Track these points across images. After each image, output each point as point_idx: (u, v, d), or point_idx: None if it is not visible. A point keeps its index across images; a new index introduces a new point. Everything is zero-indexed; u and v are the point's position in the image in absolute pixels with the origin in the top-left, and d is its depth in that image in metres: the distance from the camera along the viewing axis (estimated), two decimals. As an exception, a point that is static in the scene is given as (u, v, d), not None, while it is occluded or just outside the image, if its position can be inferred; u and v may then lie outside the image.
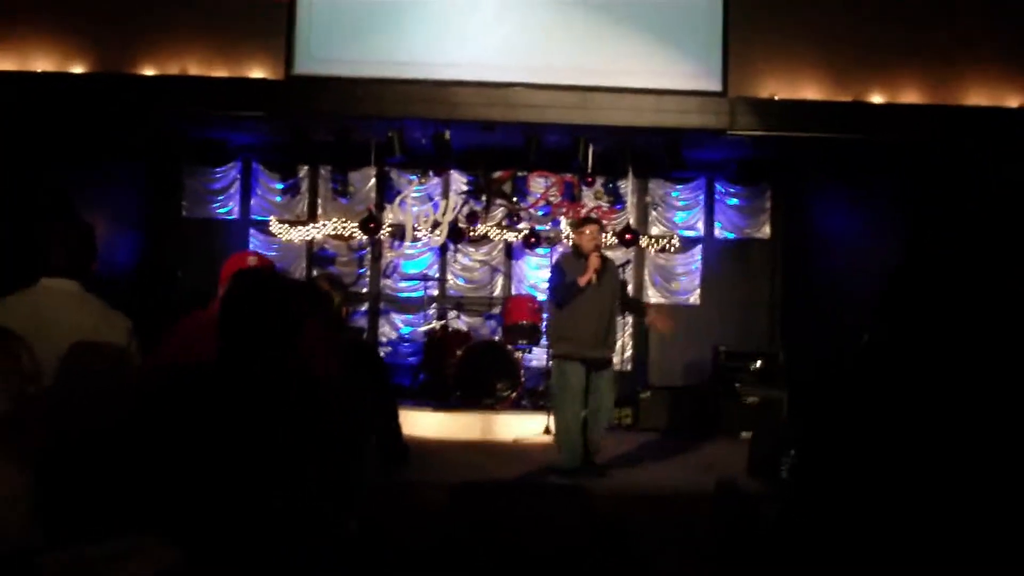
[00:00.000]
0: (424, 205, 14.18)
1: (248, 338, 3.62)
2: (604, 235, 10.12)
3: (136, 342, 4.58)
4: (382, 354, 13.75)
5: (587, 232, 9.46)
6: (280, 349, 3.63)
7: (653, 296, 14.65)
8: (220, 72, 12.14)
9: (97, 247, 4.70)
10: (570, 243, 11.60)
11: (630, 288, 13.81)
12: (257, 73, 12.19)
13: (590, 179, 13.84)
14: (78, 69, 11.98)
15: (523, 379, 12.56)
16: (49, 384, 3.98)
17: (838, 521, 3.34)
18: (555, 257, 12.62)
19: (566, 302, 9.36)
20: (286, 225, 14.20)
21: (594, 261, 9.20)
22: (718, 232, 14.87)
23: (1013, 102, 12.35)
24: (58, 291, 4.46)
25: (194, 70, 12.12)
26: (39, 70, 11.88)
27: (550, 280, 9.82)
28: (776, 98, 12.28)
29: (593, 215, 13.69)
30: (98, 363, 4.37)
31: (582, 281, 9.19)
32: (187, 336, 4.54)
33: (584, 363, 9.33)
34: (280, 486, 3.47)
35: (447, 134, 12.68)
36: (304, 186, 14.67)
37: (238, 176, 14.57)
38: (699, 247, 14.80)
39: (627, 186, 14.53)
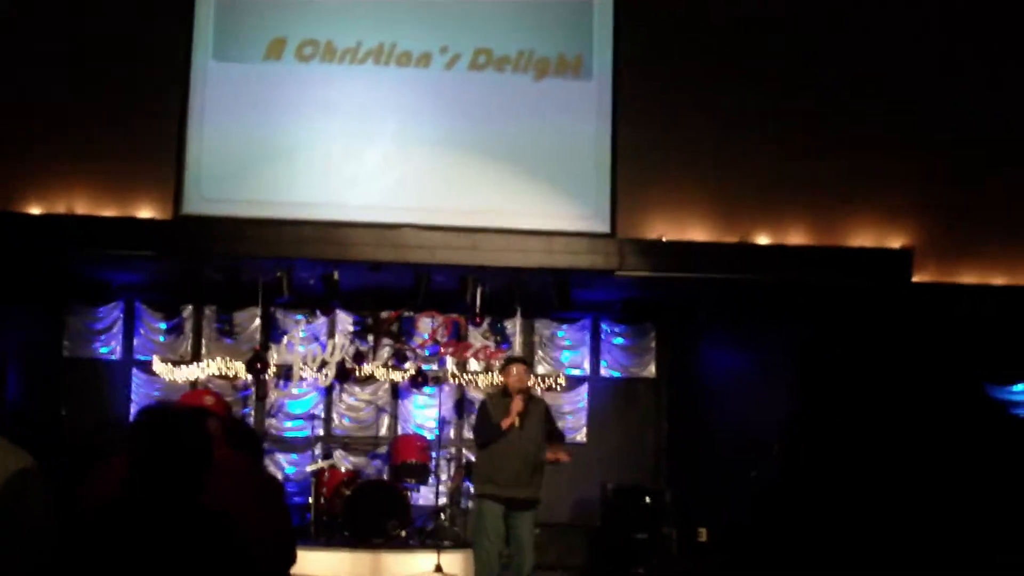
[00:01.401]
0: (311, 345, 14.11)
1: (153, 472, 3.59)
2: (529, 375, 10.07)
3: (39, 480, 4.39)
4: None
5: (513, 372, 9.46)
6: (186, 484, 3.61)
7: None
8: (109, 211, 12.11)
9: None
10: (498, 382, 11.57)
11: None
12: (146, 213, 12.19)
13: (478, 319, 13.89)
14: (-39, 206, 11.86)
15: (413, 518, 12.45)
16: None
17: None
18: (480, 397, 12.70)
19: (488, 444, 9.36)
20: (169, 365, 13.99)
21: (516, 404, 9.20)
22: (604, 371, 14.98)
23: (895, 243, 12.78)
24: None
25: (82, 209, 12.09)
26: (-78, 207, 11.74)
27: (475, 420, 9.84)
28: (664, 239, 12.56)
29: (481, 355, 13.77)
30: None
31: (504, 424, 9.18)
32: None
33: (505, 503, 9.27)
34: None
35: (336, 274, 12.71)
36: (188, 326, 14.52)
37: (121, 315, 14.37)
38: (585, 386, 14.88)
39: (514, 326, 14.62)
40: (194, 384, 14.04)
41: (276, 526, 4.93)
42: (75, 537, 3.57)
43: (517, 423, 9.18)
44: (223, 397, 5.10)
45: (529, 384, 9.71)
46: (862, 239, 12.81)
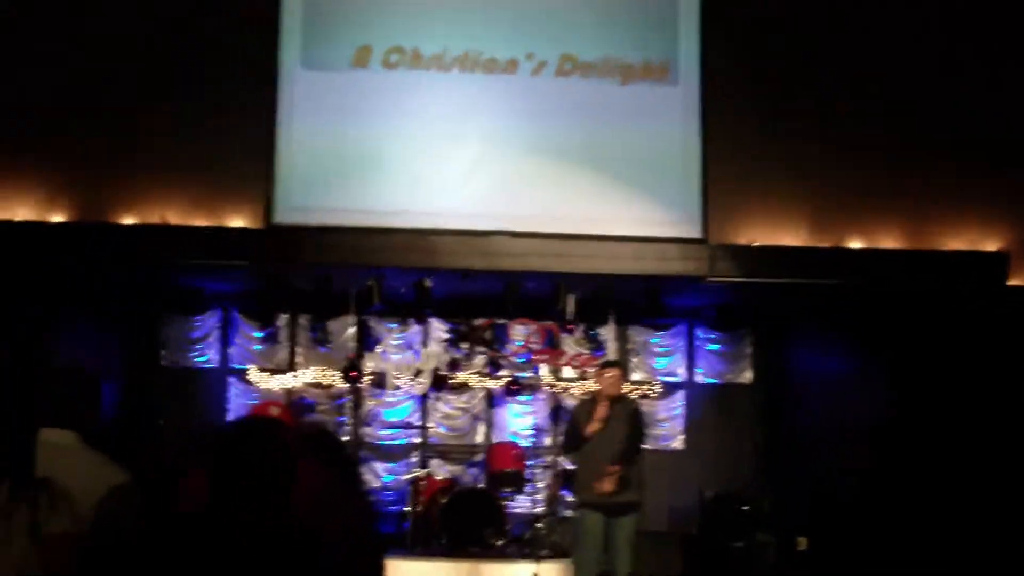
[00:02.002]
0: (404, 353, 14.11)
1: (238, 489, 3.53)
2: (623, 380, 9.94)
3: (130, 496, 4.34)
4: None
5: (606, 376, 9.38)
6: (271, 500, 3.55)
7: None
8: (200, 221, 12.20)
9: (99, 396, 4.50)
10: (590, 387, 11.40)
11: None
12: (237, 222, 12.26)
13: (571, 326, 13.79)
14: (58, 218, 12.02)
15: (509, 526, 12.39)
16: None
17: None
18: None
19: (572, 450, 9.31)
20: (265, 373, 14.07)
21: (600, 410, 9.10)
22: (699, 377, 14.82)
23: (991, 246, 12.49)
24: (53, 443, 4.21)
25: (174, 219, 12.19)
26: (18, 219, 11.89)
27: (566, 427, 9.79)
28: (755, 244, 12.38)
29: (575, 362, 13.70)
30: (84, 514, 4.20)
31: (588, 431, 9.10)
32: None
33: (603, 510, 9.16)
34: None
35: (427, 282, 12.68)
36: (283, 335, 14.58)
37: (217, 324, 14.49)
38: (681, 392, 14.73)
39: (608, 333, 14.49)
40: (290, 392, 14.12)
41: (358, 540, 4.86)
42: (165, 549, 3.53)
43: (599, 428, 9.06)
44: (289, 408, 5.07)
45: (622, 390, 9.58)
46: (956, 242, 12.54)
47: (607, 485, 9.03)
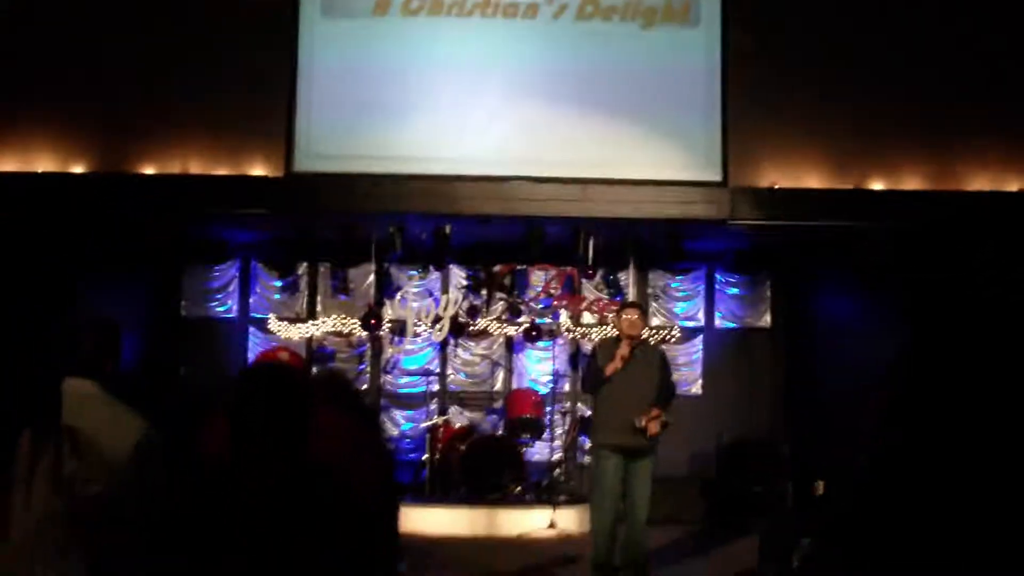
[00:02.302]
0: (424, 300, 14.12)
1: (258, 433, 3.57)
2: (644, 322, 9.87)
3: (153, 443, 4.39)
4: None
5: (626, 317, 9.27)
6: (291, 443, 3.58)
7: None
8: (221, 170, 12.21)
9: (119, 345, 4.55)
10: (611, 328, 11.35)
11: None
12: (258, 171, 12.28)
13: (590, 271, 13.78)
14: (79, 169, 12.04)
15: (527, 473, 12.45)
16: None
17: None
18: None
19: (592, 389, 9.26)
20: (285, 323, 14.10)
21: (623, 349, 9.06)
22: (719, 322, 14.83)
23: (1013, 186, 12.43)
24: (76, 392, 4.25)
25: (195, 168, 12.20)
26: (40, 170, 11.93)
27: (584, 366, 9.77)
28: (776, 187, 12.35)
29: (595, 307, 13.72)
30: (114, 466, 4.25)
31: (608, 370, 9.05)
32: None
33: (621, 452, 9.17)
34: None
35: (448, 228, 12.70)
36: (303, 283, 14.63)
37: (237, 274, 14.54)
38: (700, 337, 14.73)
39: (627, 278, 14.50)
40: (310, 341, 14.17)
41: (375, 481, 4.91)
42: (190, 495, 3.58)
43: (620, 366, 9.03)
44: (299, 353, 5.11)
45: (643, 332, 9.55)
46: (979, 183, 12.47)
47: (652, 427, 9.01)
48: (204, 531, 3.45)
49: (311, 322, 14.16)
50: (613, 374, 9.03)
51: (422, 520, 11.57)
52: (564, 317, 14.11)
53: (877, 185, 12.42)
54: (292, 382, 3.72)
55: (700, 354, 14.75)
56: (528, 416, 12.95)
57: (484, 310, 14.40)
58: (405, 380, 14.56)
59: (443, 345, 14.51)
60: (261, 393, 3.63)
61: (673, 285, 14.82)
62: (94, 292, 12.28)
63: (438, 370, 14.47)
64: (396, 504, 5.40)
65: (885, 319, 12.82)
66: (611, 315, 9.72)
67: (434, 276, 14.49)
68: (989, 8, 12.75)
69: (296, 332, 14.03)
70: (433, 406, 14.05)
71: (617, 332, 9.49)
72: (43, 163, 12.04)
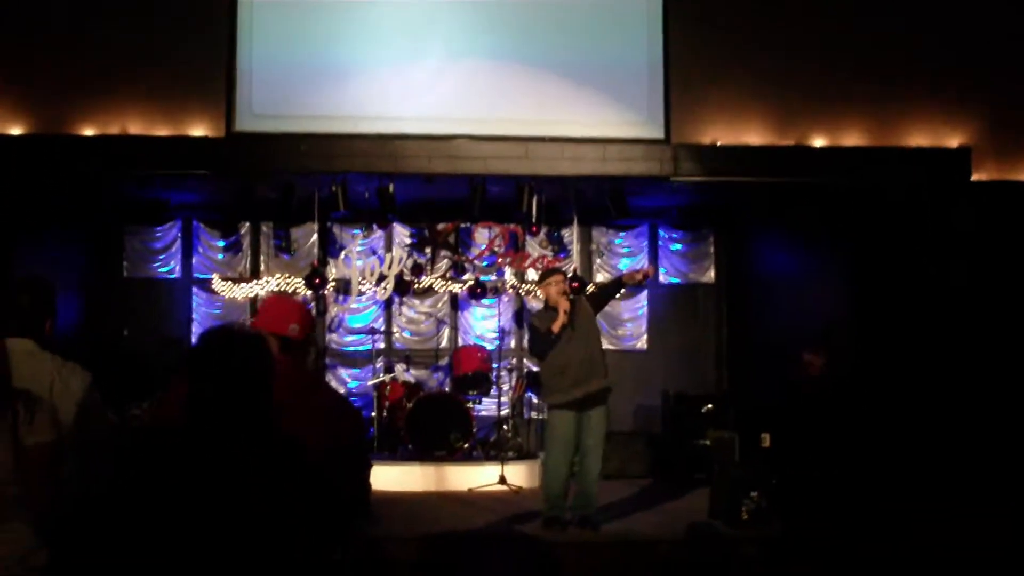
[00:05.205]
0: (368, 259, 14.09)
1: (215, 396, 3.56)
2: (567, 284, 10.06)
3: (97, 394, 4.46)
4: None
5: (552, 283, 9.47)
6: (249, 405, 3.58)
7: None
8: (161, 131, 12.09)
9: (54, 304, 4.61)
10: (540, 297, 11.43)
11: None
12: (199, 131, 12.16)
13: (535, 228, 13.77)
14: (16, 131, 11.89)
15: (475, 429, 12.50)
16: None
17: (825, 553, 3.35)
18: (527, 316, 12.97)
19: (545, 353, 9.35)
20: (229, 283, 14.06)
21: (563, 304, 9.20)
22: (663, 278, 14.92)
23: (953, 142, 12.56)
24: (17, 351, 4.34)
25: (135, 129, 12.07)
26: (-24, 132, 11.78)
27: (527, 339, 9.90)
28: (718, 144, 12.41)
29: (539, 264, 13.76)
30: (60, 419, 4.27)
31: (555, 326, 9.17)
32: None
33: (575, 407, 9.27)
34: (259, 550, 3.43)
35: (391, 187, 12.65)
36: (246, 243, 14.58)
37: (179, 235, 14.47)
38: (644, 293, 14.83)
39: (571, 234, 14.54)
40: (253, 301, 14.09)
41: (342, 437, 4.92)
42: (141, 460, 3.57)
43: (566, 322, 9.17)
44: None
45: (568, 293, 9.67)
46: (919, 139, 12.59)
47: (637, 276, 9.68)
48: (157, 496, 3.44)
49: (255, 282, 14.11)
50: (561, 330, 9.16)
51: (372, 477, 11.57)
52: (509, 274, 14.17)
53: (818, 142, 12.50)
54: (252, 344, 3.71)
55: (645, 310, 14.87)
56: (475, 372, 12.98)
57: (429, 268, 14.41)
58: (351, 339, 14.57)
59: (388, 303, 14.52)
60: (217, 358, 3.63)
61: (617, 242, 14.89)
62: (34, 255, 12.15)
63: (383, 328, 14.48)
64: (365, 461, 5.43)
65: (827, 274, 12.97)
66: (539, 285, 9.84)
67: (378, 235, 14.48)
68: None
69: (240, 292, 13.98)
70: (379, 364, 14.05)
71: (546, 300, 9.61)
72: (-20, 125, 11.89)
